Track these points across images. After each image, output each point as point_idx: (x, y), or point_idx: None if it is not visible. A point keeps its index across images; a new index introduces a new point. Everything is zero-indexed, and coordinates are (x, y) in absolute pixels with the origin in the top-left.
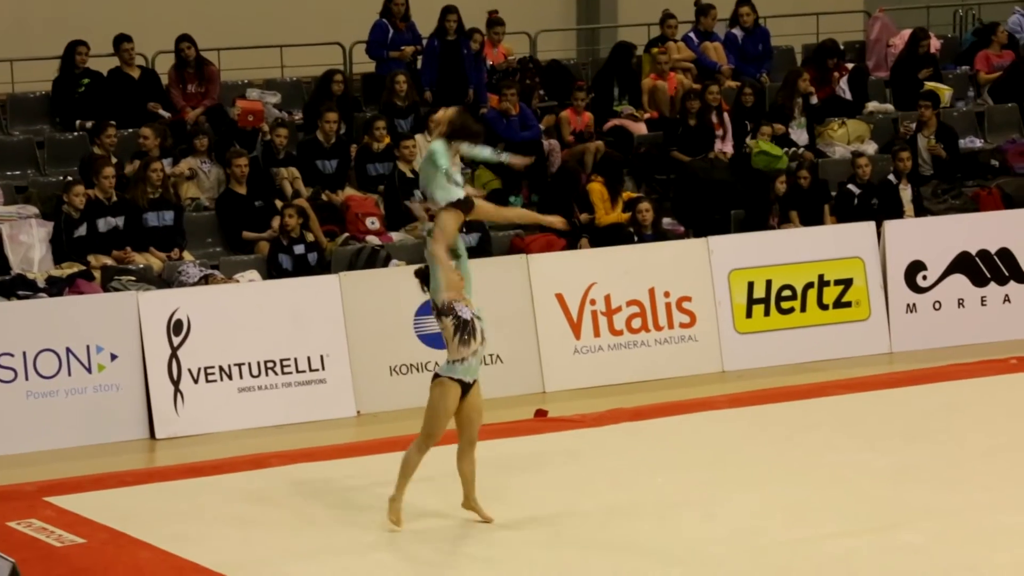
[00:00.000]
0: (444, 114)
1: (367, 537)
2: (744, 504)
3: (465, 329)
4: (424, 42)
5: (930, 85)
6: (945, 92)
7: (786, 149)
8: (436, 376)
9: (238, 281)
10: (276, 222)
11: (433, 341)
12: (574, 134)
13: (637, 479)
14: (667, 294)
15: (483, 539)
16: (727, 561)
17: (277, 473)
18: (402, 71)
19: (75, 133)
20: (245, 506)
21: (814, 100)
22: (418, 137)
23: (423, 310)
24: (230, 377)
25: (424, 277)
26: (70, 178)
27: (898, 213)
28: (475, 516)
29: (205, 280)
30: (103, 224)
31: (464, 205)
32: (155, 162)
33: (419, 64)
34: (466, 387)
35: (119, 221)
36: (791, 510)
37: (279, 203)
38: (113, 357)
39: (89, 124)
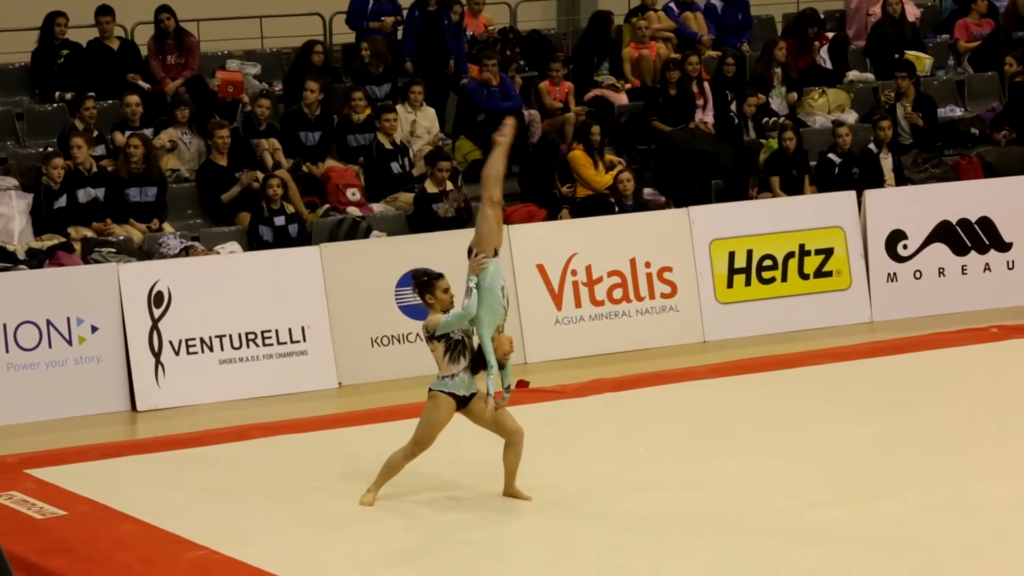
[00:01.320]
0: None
1: (349, 509)
2: (727, 474)
3: (455, 349)
4: (404, 12)
5: (910, 54)
6: (925, 61)
7: (766, 119)
8: (430, 390)
9: (219, 253)
10: (246, 177)
11: (414, 312)
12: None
13: (619, 449)
14: (648, 264)
15: (465, 510)
16: (710, 530)
17: (258, 445)
18: (368, 40)
19: (54, 104)
20: (226, 478)
21: (793, 76)
22: (398, 108)
23: (404, 281)
24: (211, 349)
25: None
26: (50, 149)
27: (879, 182)
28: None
29: (186, 252)
30: (83, 195)
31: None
32: (132, 138)
33: (399, 34)
34: (461, 399)
35: (99, 192)
36: (774, 479)
37: (260, 174)
38: (94, 329)
39: (68, 95)
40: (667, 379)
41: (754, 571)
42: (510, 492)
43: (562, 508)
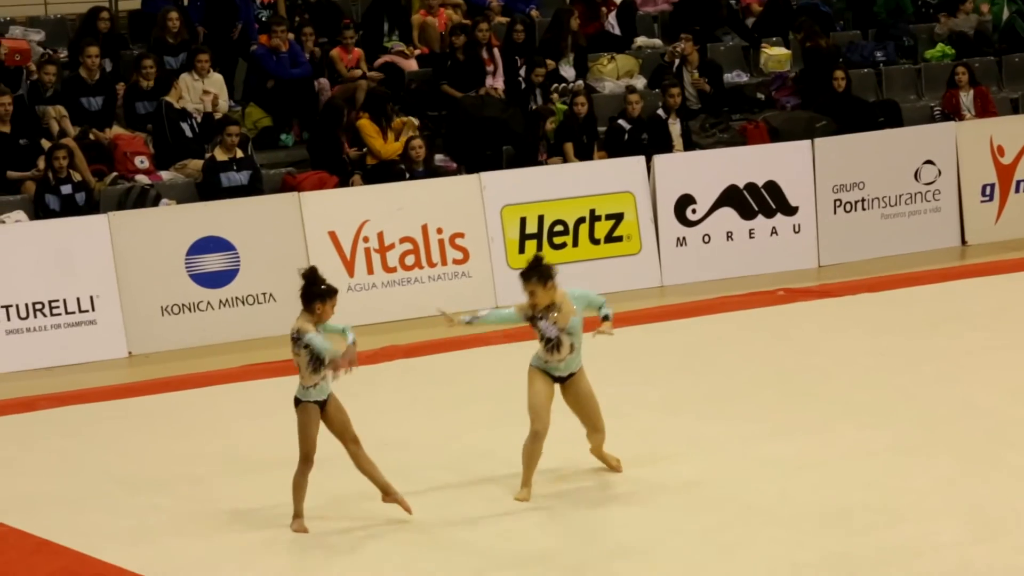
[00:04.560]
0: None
1: (138, 480)
2: (518, 439)
3: (318, 360)
4: None
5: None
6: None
7: (556, 85)
8: (297, 402)
9: (4, 222)
10: (42, 162)
11: (205, 280)
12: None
13: (411, 416)
14: (440, 231)
15: (239, 481)
16: (502, 497)
17: (47, 416)
18: (173, 8)
19: None
20: (13, 450)
21: (581, 43)
22: (184, 76)
23: (194, 249)
24: None
25: None
26: None
27: (667, 147)
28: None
29: None
30: None
31: None
32: None
33: (187, 1)
34: (322, 404)
35: None
36: (566, 443)
37: (46, 142)
38: None
39: None
40: (459, 345)
41: (540, 534)
42: (389, 497)
43: (351, 473)
